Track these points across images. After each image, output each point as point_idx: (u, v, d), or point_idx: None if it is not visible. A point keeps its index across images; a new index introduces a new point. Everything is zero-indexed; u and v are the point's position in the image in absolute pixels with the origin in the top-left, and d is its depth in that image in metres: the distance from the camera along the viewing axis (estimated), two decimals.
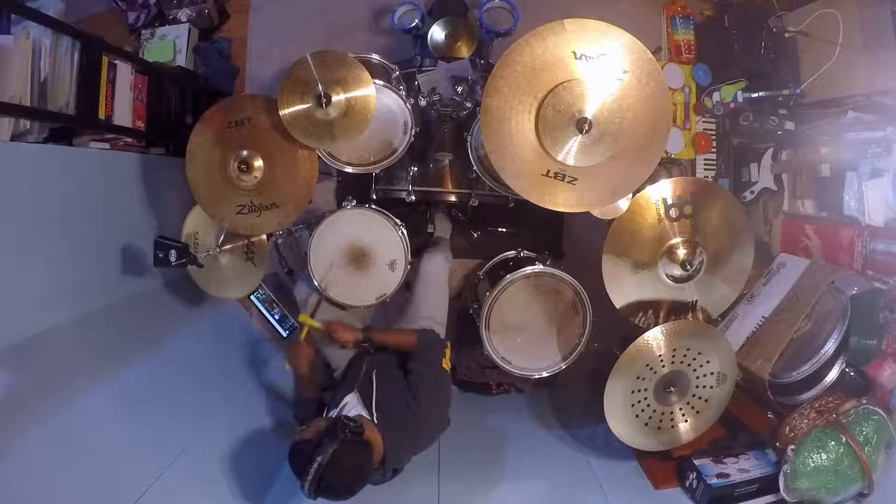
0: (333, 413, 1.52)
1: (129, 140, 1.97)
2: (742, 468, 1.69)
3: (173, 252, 1.68)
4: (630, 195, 1.60)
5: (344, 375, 1.74)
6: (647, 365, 1.61)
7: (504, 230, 2.37)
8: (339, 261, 1.79)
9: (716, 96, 2.14)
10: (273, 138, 1.65)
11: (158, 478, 1.42)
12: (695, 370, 1.65)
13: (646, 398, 1.65)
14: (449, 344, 1.70)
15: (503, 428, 2.11)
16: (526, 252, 2.03)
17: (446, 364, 1.65)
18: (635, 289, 1.70)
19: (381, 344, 1.72)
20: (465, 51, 2.07)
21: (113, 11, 2.50)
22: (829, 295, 1.71)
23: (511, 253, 2.07)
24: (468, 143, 1.75)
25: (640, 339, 1.58)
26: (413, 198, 1.88)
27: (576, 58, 1.36)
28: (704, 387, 1.67)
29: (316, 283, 1.78)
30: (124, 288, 1.86)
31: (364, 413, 1.47)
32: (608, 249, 1.64)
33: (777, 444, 1.63)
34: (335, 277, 1.78)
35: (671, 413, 1.68)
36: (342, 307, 1.86)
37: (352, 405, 1.51)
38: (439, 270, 1.95)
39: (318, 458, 1.25)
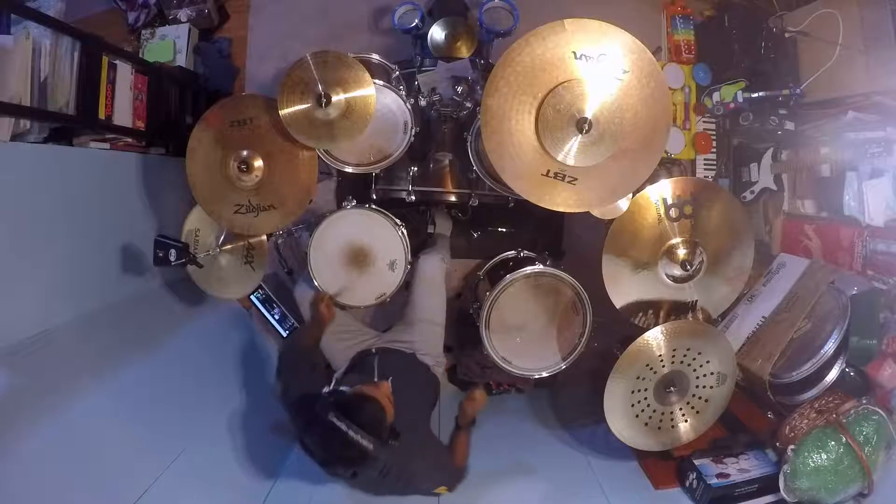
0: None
1: (129, 140, 1.97)
2: (742, 468, 1.69)
3: (173, 251, 1.68)
4: (630, 195, 1.59)
5: (346, 373, 1.74)
6: (647, 365, 1.61)
7: (504, 230, 2.37)
8: (342, 270, 1.80)
9: (716, 96, 2.15)
10: (273, 138, 1.65)
11: (158, 478, 1.42)
12: (695, 370, 1.65)
13: (646, 398, 1.65)
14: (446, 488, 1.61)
15: (503, 428, 2.11)
16: (526, 252, 2.03)
17: (440, 490, 1.58)
18: (635, 289, 1.70)
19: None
20: (465, 51, 2.06)
21: (113, 11, 2.50)
22: (829, 295, 1.71)
23: (511, 253, 2.06)
24: (468, 143, 1.75)
25: (640, 339, 1.58)
26: (413, 198, 1.87)
27: (576, 58, 1.36)
28: (704, 387, 1.67)
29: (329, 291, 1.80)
30: (124, 288, 1.86)
31: None
32: (608, 249, 1.64)
33: (777, 444, 1.64)
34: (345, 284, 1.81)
35: (671, 413, 1.68)
36: (342, 307, 1.86)
37: None
38: (435, 271, 1.94)
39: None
